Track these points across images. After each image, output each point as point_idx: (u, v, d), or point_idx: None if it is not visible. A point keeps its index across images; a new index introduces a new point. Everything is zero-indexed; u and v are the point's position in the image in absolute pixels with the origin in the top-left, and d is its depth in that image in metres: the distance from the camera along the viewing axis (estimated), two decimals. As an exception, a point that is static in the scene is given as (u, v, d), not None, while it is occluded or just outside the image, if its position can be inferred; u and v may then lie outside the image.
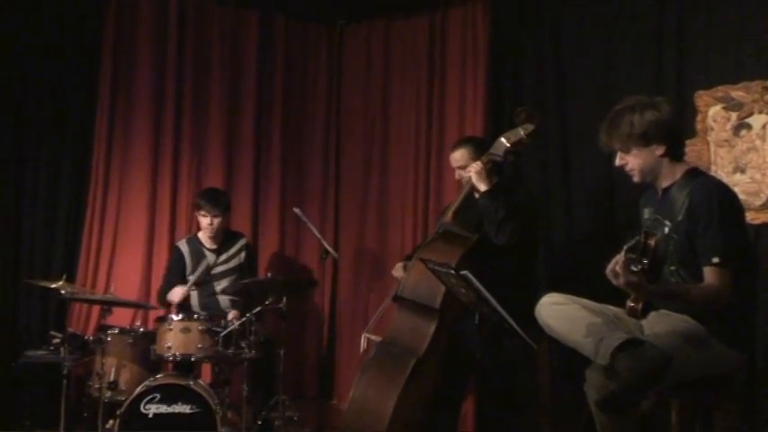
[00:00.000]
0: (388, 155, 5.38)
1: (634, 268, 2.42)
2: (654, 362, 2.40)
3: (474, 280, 2.83)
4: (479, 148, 3.84)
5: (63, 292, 4.06)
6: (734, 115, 3.85)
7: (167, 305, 4.57)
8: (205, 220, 4.58)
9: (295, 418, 4.37)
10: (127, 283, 4.82)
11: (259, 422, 4.22)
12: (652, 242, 2.57)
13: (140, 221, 4.97)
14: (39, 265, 4.71)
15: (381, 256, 5.29)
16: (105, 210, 4.89)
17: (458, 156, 3.94)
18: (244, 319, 4.05)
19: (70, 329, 4.34)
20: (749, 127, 3.81)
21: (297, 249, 5.52)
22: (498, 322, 2.95)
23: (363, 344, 3.82)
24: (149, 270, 4.96)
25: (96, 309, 4.59)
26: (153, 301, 4.75)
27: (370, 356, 3.64)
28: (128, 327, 4.45)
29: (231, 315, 4.48)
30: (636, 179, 2.85)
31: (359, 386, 3.53)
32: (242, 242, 4.76)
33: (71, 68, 4.87)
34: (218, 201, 4.61)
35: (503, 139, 3.68)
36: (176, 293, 4.47)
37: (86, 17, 4.94)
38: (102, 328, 4.07)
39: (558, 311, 2.75)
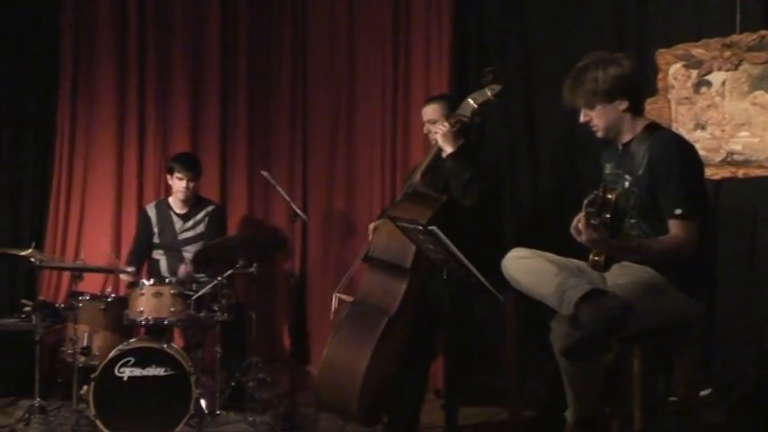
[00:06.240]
0: (355, 116, 5.36)
1: (593, 222, 2.49)
2: (615, 311, 2.49)
3: (441, 235, 2.89)
4: (451, 104, 3.81)
5: (33, 259, 4.05)
6: (694, 73, 3.92)
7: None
8: (181, 183, 4.58)
9: (268, 380, 4.42)
10: (96, 249, 4.81)
11: (232, 384, 4.27)
12: (611, 196, 2.64)
13: (107, 187, 4.95)
14: (6, 234, 4.67)
15: (350, 218, 5.32)
16: (72, 176, 4.86)
17: (429, 111, 3.92)
18: (215, 282, 4.07)
19: (41, 297, 4.32)
20: (709, 84, 3.88)
21: (265, 213, 5.51)
22: (465, 276, 3.01)
23: (335, 303, 3.84)
24: (119, 236, 4.96)
25: (66, 276, 4.59)
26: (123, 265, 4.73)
27: (342, 316, 3.66)
28: (99, 293, 4.46)
29: (182, 269, 4.49)
30: (600, 134, 2.91)
31: (332, 346, 3.56)
32: (208, 208, 4.74)
33: (33, 34, 4.80)
34: (194, 164, 4.66)
35: (470, 100, 3.67)
36: None
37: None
38: (74, 295, 4.06)
39: (523, 265, 2.81)
